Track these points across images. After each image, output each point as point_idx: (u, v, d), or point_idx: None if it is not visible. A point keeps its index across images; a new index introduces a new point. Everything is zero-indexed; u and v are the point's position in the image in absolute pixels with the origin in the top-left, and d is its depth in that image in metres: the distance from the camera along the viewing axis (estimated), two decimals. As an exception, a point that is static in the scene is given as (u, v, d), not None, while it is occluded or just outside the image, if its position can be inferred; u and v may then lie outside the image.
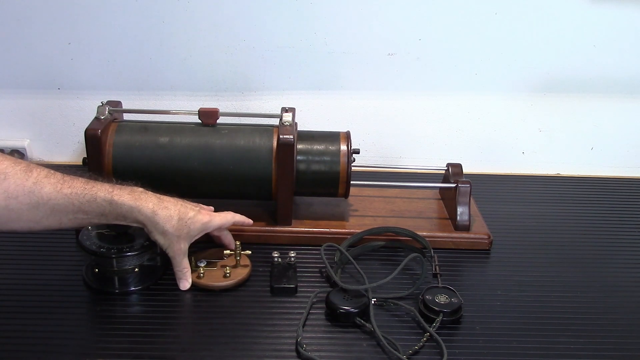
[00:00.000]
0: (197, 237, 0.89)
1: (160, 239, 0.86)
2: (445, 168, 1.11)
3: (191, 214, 0.87)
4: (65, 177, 0.81)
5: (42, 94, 1.21)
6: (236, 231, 0.99)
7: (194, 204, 0.91)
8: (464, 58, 1.20)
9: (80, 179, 0.82)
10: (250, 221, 0.96)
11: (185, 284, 0.89)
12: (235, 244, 0.94)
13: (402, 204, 1.11)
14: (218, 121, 1.02)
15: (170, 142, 0.99)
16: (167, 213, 0.85)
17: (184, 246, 0.88)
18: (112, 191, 0.82)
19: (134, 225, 0.85)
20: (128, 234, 0.92)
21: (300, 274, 0.94)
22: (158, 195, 0.87)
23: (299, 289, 0.91)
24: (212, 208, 0.96)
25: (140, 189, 0.86)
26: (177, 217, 0.85)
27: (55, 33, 1.15)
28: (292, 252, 0.95)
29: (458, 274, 0.97)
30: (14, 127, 1.23)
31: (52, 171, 0.81)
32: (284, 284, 0.90)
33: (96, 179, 0.83)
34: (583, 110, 1.26)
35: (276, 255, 0.94)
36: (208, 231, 0.91)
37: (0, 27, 1.14)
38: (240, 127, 1.02)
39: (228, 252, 0.95)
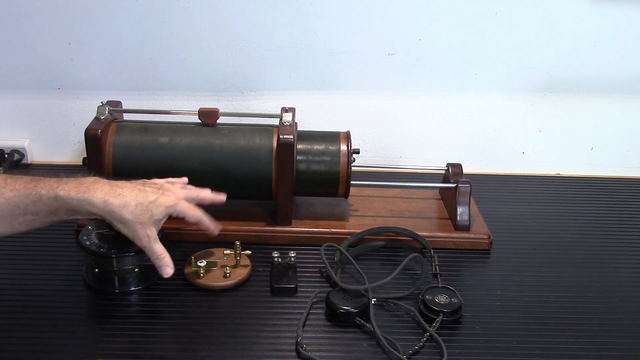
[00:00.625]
0: (164, 220, 0.84)
1: (122, 229, 0.81)
2: (445, 168, 1.11)
3: (152, 197, 0.81)
4: (8, 180, 0.76)
5: (42, 94, 1.21)
6: (236, 231, 0.99)
7: (156, 183, 0.86)
8: (464, 58, 1.20)
9: (24, 178, 0.77)
10: (213, 229, 0.90)
11: (168, 270, 0.83)
12: (235, 244, 0.94)
13: (402, 204, 1.11)
14: (218, 121, 1.02)
15: (170, 142, 0.99)
16: (122, 200, 0.79)
17: (151, 232, 0.82)
18: (57, 186, 0.77)
19: (90, 218, 0.81)
20: (128, 234, 0.92)
21: (300, 274, 0.94)
22: (112, 181, 0.81)
23: (299, 289, 0.91)
24: (184, 180, 0.92)
25: (92, 178, 0.80)
26: (134, 203, 0.80)
27: (55, 33, 1.15)
28: (292, 252, 0.95)
29: (458, 274, 0.97)
30: (14, 127, 1.23)
31: None
32: (284, 284, 0.90)
33: (42, 176, 0.79)
34: (583, 110, 1.26)
35: (276, 255, 0.94)
36: (173, 213, 0.84)
37: (0, 27, 1.14)
38: (240, 127, 1.02)
39: (228, 252, 0.95)
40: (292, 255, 0.94)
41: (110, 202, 0.79)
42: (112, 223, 0.81)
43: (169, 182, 0.90)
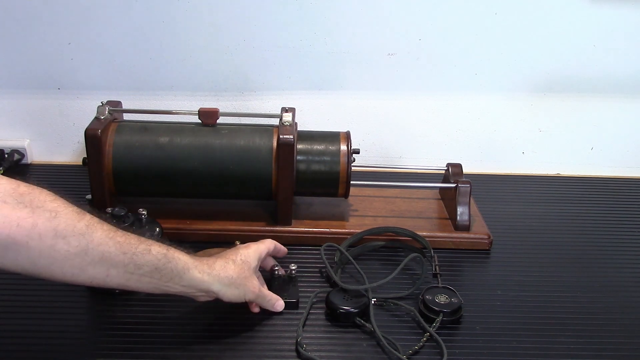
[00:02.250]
0: (258, 266, 0.85)
1: (234, 292, 0.80)
2: (445, 168, 1.11)
3: (240, 251, 0.83)
4: (119, 229, 0.74)
5: (42, 94, 1.21)
6: (236, 231, 1.00)
7: (231, 249, 0.86)
8: (464, 58, 1.20)
9: (134, 234, 0.75)
10: (285, 250, 0.93)
11: (280, 303, 0.86)
12: (235, 244, 0.93)
13: (402, 204, 1.11)
14: (218, 121, 1.02)
15: (170, 142, 0.99)
16: (222, 263, 0.79)
17: (256, 281, 0.83)
18: (168, 247, 0.76)
19: (191, 292, 0.78)
20: (128, 234, 0.92)
21: (300, 274, 0.94)
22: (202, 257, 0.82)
23: (299, 289, 0.90)
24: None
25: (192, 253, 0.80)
26: (231, 262, 0.80)
27: (55, 33, 1.15)
28: (292, 264, 0.92)
29: (458, 274, 0.97)
30: (14, 127, 1.23)
31: (104, 220, 0.73)
32: (285, 299, 0.87)
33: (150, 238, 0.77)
34: (583, 110, 1.26)
35: (277, 268, 0.91)
36: (263, 255, 0.87)
37: (0, 27, 1.14)
38: (240, 127, 1.02)
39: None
40: (293, 268, 0.91)
41: (214, 267, 0.78)
42: (218, 292, 0.79)
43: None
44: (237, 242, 0.93)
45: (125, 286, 0.74)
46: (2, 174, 1.14)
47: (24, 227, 0.65)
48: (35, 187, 0.69)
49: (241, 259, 0.82)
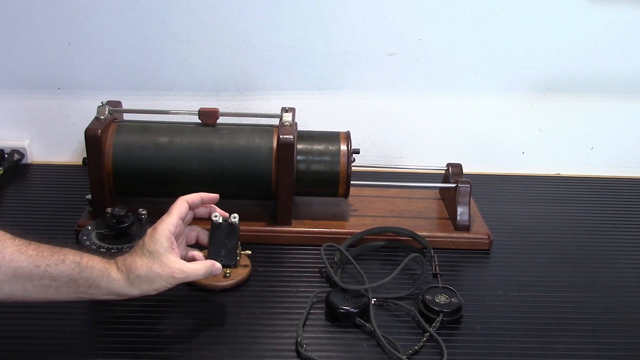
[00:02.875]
0: (174, 243, 0.78)
1: (153, 286, 0.76)
2: (445, 168, 1.11)
3: (145, 240, 0.77)
4: (32, 242, 0.73)
5: (42, 94, 1.21)
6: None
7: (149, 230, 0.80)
8: (464, 58, 1.20)
9: (48, 245, 0.74)
10: (213, 196, 0.85)
11: (216, 266, 0.80)
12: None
13: (402, 204, 1.11)
14: (218, 121, 1.02)
15: (170, 142, 0.99)
16: (130, 260, 0.76)
17: (172, 262, 0.76)
18: (82, 255, 0.74)
19: (107, 298, 0.76)
20: (128, 234, 0.92)
21: (300, 274, 0.94)
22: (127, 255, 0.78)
23: (299, 289, 0.91)
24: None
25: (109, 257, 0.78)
26: (137, 258, 0.76)
27: (55, 33, 1.15)
28: (235, 215, 0.85)
29: (458, 274, 0.97)
30: (14, 127, 1.23)
31: (17, 237, 0.72)
32: (222, 261, 0.82)
33: (65, 247, 0.75)
34: (583, 110, 1.26)
35: (215, 215, 0.85)
36: (174, 228, 0.79)
37: (0, 27, 1.14)
38: (240, 127, 1.02)
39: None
40: (235, 217, 0.85)
41: (122, 269, 0.76)
42: (141, 291, 0.76)
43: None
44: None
45: (45, 299, 0.74)
46: (2, 174, 1.15)
47: None
48: None
49: (147, 250, 0.76)
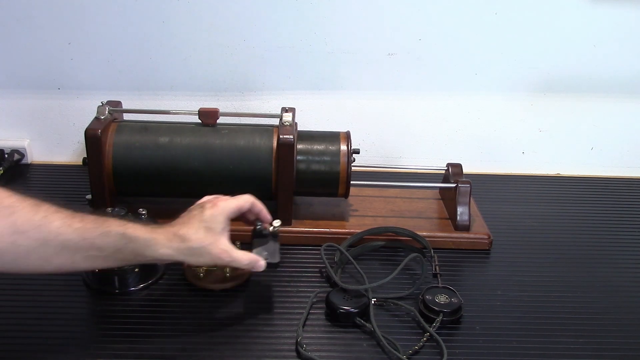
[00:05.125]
0: (228, 226, 0.82)
1: (200, 260, 0.79)
2: (445, 168, 1.11)
3: (207, 213, 0.80)
4: (76, 213, 0.74)
5: (42, 94, 1.21)
6: (236, 231, 0.99)
7: (200, 203, 0.84)
8: (464, 58, 1.20)
9: (92, 215, 0.75)
10: (268, 216, 0.89)
11: (261, 263, 0.83)
12: (236, 244, 0.93)
13: (402, 204, 1.11)
14: (218, 121, 1.02)
15: (170, 142, 0.99)
16: (182, 233, 0.78)
17: (224, 245, 0.80)
18: (126, 224, 0.76)
19: (158, 262, 0.79)
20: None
21: (300, 274, 0.94)
22: (170, 222, 0.81)
23: (299, 289, 0.91)
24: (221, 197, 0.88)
25: (155, 224, 0.79)
26: (192, 231, 0.78)
27: (55, 33, 1.15)
28: (277, 221, 0.89)
29: (458, 274, 0.97)
30: (14, 127, 1.23)
31: (62, 208, 0.74)
32: (266, 259, 0.84)
33: (108, 216, 0.77)
34: (583, 110, 1.26)
35: (259, 224, 0.89)
36: (234, 214, 0.83)
37: (0, 27, 1.14)
38: (240, 127, 1.02)
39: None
40: (277, 225, 0.89)
41: (173, 239, 0.78)
42: (185, 261, 0.79)
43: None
44: (237, 243, 0.93)
45: (93, 267, 0.78)
46: (2, 174, 1.15)
47: None
48: None
49: (207, 225, 0.79)
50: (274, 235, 0.89)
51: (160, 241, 0.77)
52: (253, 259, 0.83)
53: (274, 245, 0.88)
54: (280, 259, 0.87)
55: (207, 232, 0.79)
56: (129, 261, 0.77)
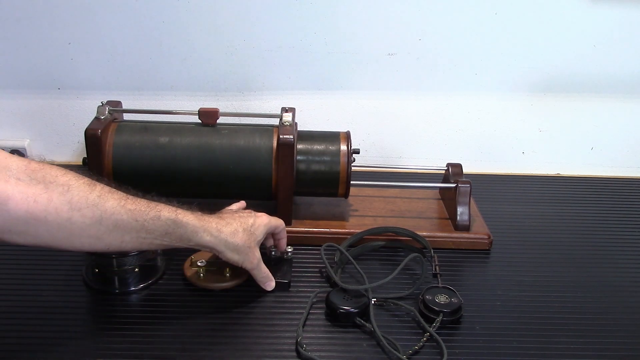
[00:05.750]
0: (262, 240, 0.89)
1: (234, 257, 0.84)
2: (445, 168, 1.11)
3: (251, 220, 0.86)
4: (128, 195, 0.77)
5: (42, 94, 1.21)
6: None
7: (246, 211, 0.91)
8: (464, 58, 1.20)
9: (143, 199, 0.78)
10: (284, 244, 0.95)
11: (271, 284, 0.89)
12: (272, 249, 0.94)
13: (402, 204, 1.11)
14: (218, 121, 1.02)
15: (170, 142, 0.99)
16: (232, 228, 0.83)
17: (257, 253, 0.86)
18: (176, 210, 0.79)
19: (199, 248, 0.83)
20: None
21: (300, 274, 0.94)
22: (217, 214, 0.86)
23: (299, 289, 0.91)
24: (242, 204, 0.96)
25: (201, 213, 0.83)
26: (241, 229, 0.84)
27: (55, 33, 1.15)
28: (289, 247, 0.95)
29: (458, 274, 0.97)
30: (14, 127, 1.23)
31: (114, 189, 0.77)
32: (277, 279, 0.90)
33: (159, 201, 0.80)
34: (583, 110, 1.26)
35: (273, 250, 0.94)
36: (270, 232, 0.90)
37: (0, 27, 1.14)
38: (240, 127, 1.02)
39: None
40: (290, 250, 0.94)
41: (222, 230, 0.82)
42: (222, 252, 0.83)
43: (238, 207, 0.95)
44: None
45: (138, 248, 0.82)
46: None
47: (40, 202, 0.69)
48: (45, 163, 0.73)
49: (251, 230, 0.85)
50: (289, 261, 0.94)
51: (208, 229, 0.81)
52: (269, 276, 0.89)
53: (287, 269, 0.93)
54: (291, 280, 0.91)
55: (250, 235, 0.85)
56: (173, 245, 0.80)
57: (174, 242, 0.80)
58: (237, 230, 0.83)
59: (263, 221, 0.88)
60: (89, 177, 0.75)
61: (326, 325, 0.85)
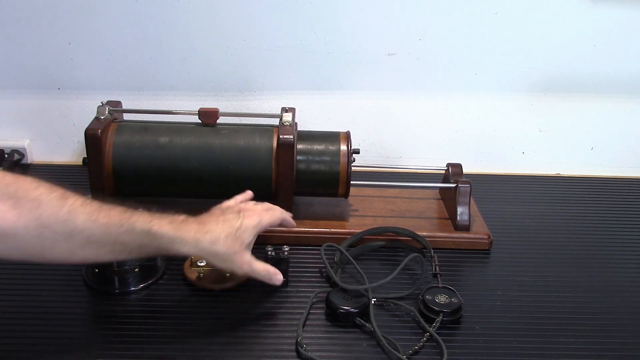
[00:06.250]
0: (254, 240, 0.84)
1: (219, 264, 0.80)
2: (445, 168, 1.11)
3: (236, 223, 0.81)
4: (102, 206, 0.74)
5: (42, 94, 1.21)
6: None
7: (232, 207, 0.86)
8: (464, 58, 1.20)
9: (118, 208, 0.75)
10: (294, 224, 0.94)
11: (278, 277, 0.85)
12: (267, 249, 0.94)
13: (402, 204, 1.11)
14: (218, 121, 1.02)
15: (170, 142, 0.99)
16: (212, 236, 0.78)
17: (247, 257, 0.82)
18: (151, 221, 0.76)
19: (177, 256, 0.80)
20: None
21: (300, 274, 0.94)
22: (199, 218, 0.81)
23: (299, 289, 0.91)
24: (249, 194, 0.93)
25: (182, 217, 0.79)
26: (223, 236, 0.79)
27: (55, 33, 1.15)
28: (285, 246, 0.91)
29: (458, 274, 0.97)
30: (14, 127, 1.23)
31: (89, 200, 0.74)
32: None
33: (135, 209, 0.77)
34: (583, 110, 1.26)
35: (270, 249, 0.91)
36: (262, 231, 0.85)
37: (0, 27, 1.14)
38: (240, 127, 1.02)
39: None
40: (286, 249, 0.91)
41: (200, 240, 0.78)
42: (207, 260, 0.82)
43: (241, 202, 0.91)
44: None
45: (118, 260, 0.81)
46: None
47: (9, 219, 0.68)
48: (19, 176, 0.71)
49: (236, 235, 0.80)
50: (286, 260, 0.91)
51: (186, 240, 0.77)
52: (271, 271, 0.84)
53: (284, 268, 0.90)
54: (288, 279, 0.91)
55: (235, 240, 0.80)
56: (153, 255, 0.80)
57: (153, 252, 0.77)
58: (218, 237, 0.79)
59: (252, 222, 0.82)
60: (61, 190, 0.73)
61: (326, 325, 0.85)
